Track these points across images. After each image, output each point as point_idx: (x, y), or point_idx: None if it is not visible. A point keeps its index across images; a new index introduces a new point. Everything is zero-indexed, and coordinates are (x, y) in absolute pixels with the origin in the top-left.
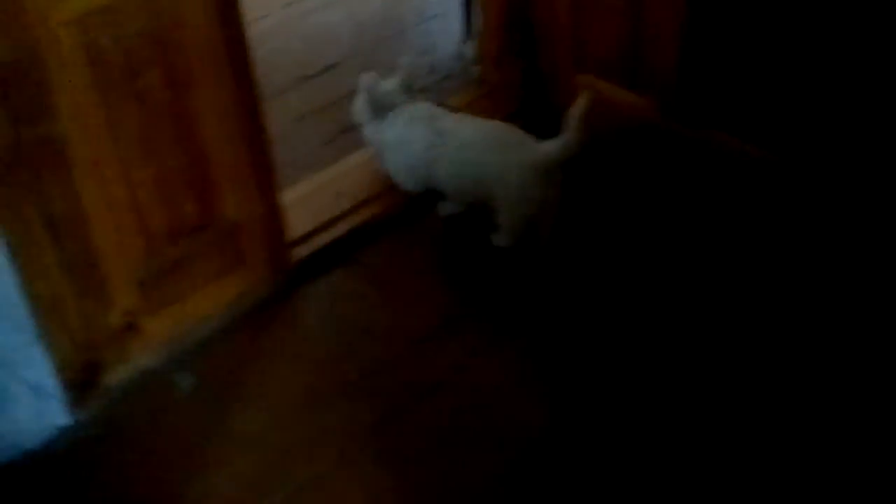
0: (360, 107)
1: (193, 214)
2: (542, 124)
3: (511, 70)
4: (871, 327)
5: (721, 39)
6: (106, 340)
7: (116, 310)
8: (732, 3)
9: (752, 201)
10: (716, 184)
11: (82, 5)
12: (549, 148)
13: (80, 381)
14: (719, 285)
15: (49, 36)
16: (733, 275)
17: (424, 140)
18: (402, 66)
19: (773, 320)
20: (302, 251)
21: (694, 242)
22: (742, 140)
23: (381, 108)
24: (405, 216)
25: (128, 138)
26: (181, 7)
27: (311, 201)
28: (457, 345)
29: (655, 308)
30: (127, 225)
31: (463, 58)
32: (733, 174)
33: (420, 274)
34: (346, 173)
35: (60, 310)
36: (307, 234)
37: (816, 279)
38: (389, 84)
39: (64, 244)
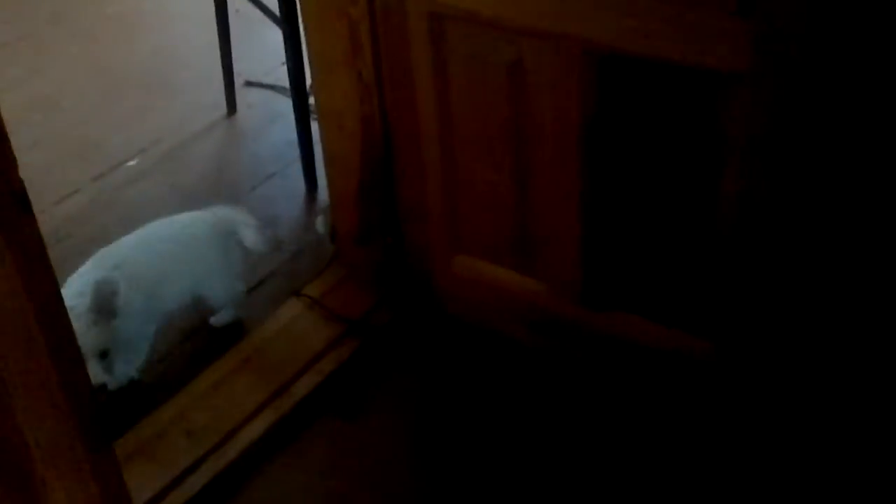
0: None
1: None
2: (417, 316)
3: (374, 249)
4: None
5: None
6: None
7: None
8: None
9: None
10: (636, 382)
11: None
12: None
13: None
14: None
15: None
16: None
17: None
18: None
19: None
20: None
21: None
22: (665, 326)
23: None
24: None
25: None
26: None
27: (155, 448)
28: None
29: None
30: None
31: (313, 230)
32: (654, 368)
33: None
34: (195, 402)
35: None
36: (158, 493)
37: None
38: None
39: None
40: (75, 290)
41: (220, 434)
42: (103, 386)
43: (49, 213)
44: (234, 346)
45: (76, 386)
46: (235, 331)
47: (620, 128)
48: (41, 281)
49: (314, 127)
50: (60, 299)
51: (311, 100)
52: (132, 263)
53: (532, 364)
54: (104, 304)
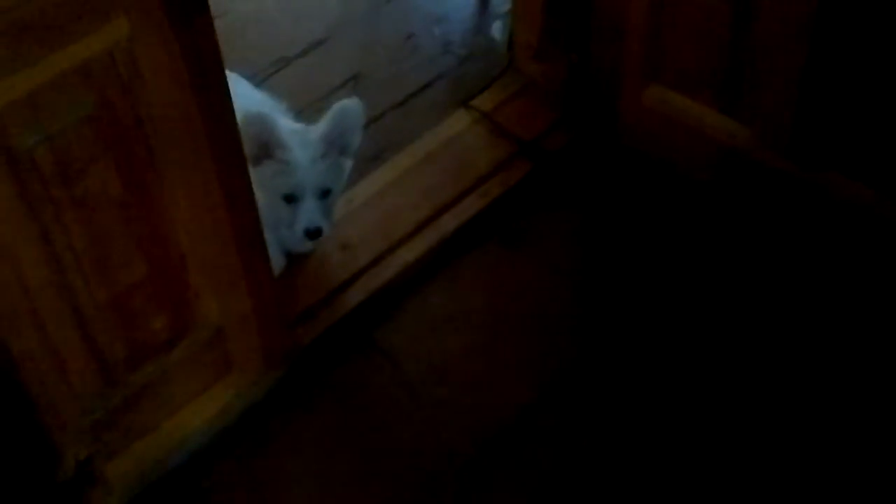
0: None
1: (164, 330)
2: (595, 145)
3: (555, 65)
4: None
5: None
6: (57, 499)
7: (66, 462)
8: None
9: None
10: (834, 242)
11: None
12: None
13: None
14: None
15: None
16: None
17: None
18: None
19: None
20: (305, 335)
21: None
22: (875, 191)
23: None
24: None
25: (72, 256)
26: (143, 78)
27: (307, 260)
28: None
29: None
30: (74, 360)
31: (485, 33)
32: (857, 231)
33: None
34: (351, 214)
35: None
36: (310, 307)
37: None
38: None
39: None
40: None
41: (375, 253)
42: (318, 230)
43: None
44: (395, 155)
45: (238, 199)
46: None
47: None
48: (213, 88)
49: None
50: (231, 110)
51: None
52: None
53: (713, 209)
54: (341, 134)
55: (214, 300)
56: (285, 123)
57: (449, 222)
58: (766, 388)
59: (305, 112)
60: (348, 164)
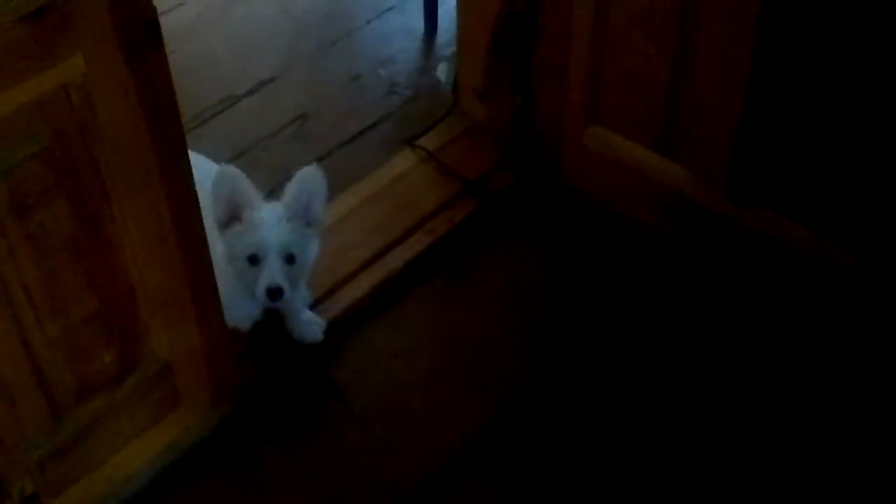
0: None
1: (113, 364)
2: (539, 185)
3: (500, 107)
4: None
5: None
6: None
7: (12, 497)
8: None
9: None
10: (772, 284)
11: None
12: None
13: None
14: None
15: None
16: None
17: None
18: None
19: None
20: (252, 370)
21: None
22: (812, 230)
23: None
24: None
25: (22, 292)
26: (97, 114)
27: None
28: None
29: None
30: (22, 395)
31: (430, 75)
32: (793, 269)
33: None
34: None
35: None
36: (259, 343)
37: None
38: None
39: None
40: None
41: (323, 290)
42: (279, 290)
43: None
44: (342, 193)
45: (189, 235)
46: None
47: (800, 13)
48: (166, 121)
49: None
50: (183, 142)
51: None
52: None
53: (653, 249)
54: (305, 202)
55: (164, 334)
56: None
57: (395, 260)
58: (708, 423)
59: (252, 150)
60: (315, 239)
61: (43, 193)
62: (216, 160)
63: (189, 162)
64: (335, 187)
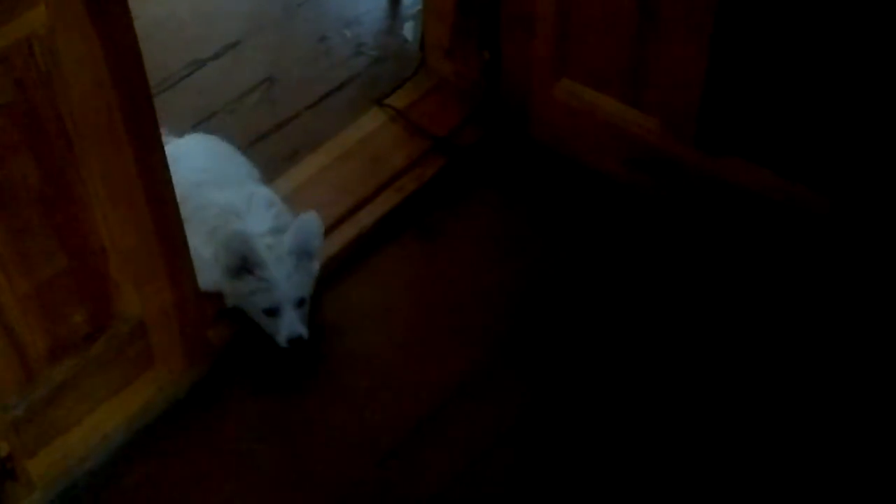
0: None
1: (84, 324)
2: (507, 139)
3: (467, 63)
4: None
5: (762, 54)
6: None
7: None
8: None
9: (786, 251)
10: (743, 231)
11: None
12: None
13: None
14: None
15: None
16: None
17: None
18: None
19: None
20: (226, 330)
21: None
22: (780, 176)
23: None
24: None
25: None
26: (62, 69)
27: None
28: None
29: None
30: None
31: (397, 34)
32: (761, 215)
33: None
34: None
35: None
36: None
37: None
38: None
39: None
40: (265, 227)
41: None
42: (300, 338)
43: None
44: (311, 153)
45: (158, 193)
46: None
47: None
48: (131, 75)
49: None
50: (149, 97)
51: None
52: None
53: (623, 201)
54: (304, 243)
55: (135, 293)
56: (260, 240)
57: (366, 217)
58: (680, 367)
59: (219, 114)
60: (316, 266)
61: (9, 148)
62: (183, 125)
63: (155, 119)
64: (304, 148)
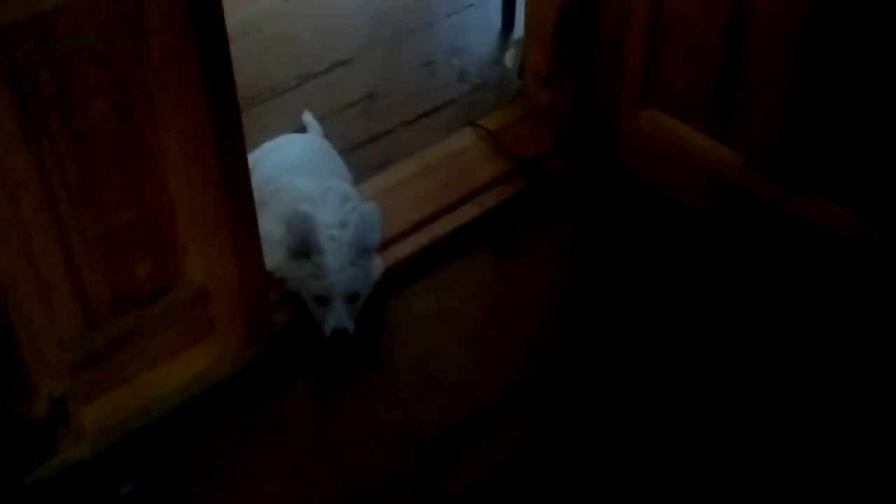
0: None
1: (147, 280)
2: (593, 167)
3: (562, 91)
4: None
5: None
6: (28, 435)
7: (41, 398)
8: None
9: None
10: (819, 271)
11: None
12: None
13: None
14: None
15: None
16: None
17: None
18: None
19: None
20: (286, 317)
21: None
22: (859, 217)
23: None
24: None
25: (64, 190)
26: (146, 15)
27: None
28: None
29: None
30: (58, 296)
31: (501, 65)
32: (838, 252)
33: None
34: None
35: None
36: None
37: None
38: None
39: None
40: (333, 219)
41: None
42: (344, 331)
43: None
44: (399, 162)
45: (230, 157)
46: None
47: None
48: (213, 36)
49: None
50: (229, 61)
51: None
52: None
53: (702, 233)
54: (364, 236)
55: (200, 258)
56: (324, 229)
57: (441, 227)
58: (747, 409)
59: (321, 121)
60: (376, 265)
61: (89, 91)
62: (285, 129)
63: (233, 79)
64: (395, 160)
